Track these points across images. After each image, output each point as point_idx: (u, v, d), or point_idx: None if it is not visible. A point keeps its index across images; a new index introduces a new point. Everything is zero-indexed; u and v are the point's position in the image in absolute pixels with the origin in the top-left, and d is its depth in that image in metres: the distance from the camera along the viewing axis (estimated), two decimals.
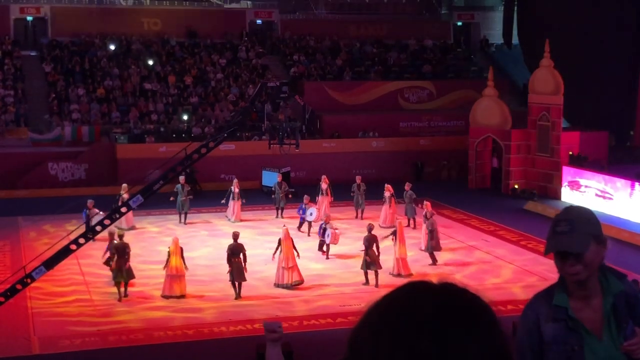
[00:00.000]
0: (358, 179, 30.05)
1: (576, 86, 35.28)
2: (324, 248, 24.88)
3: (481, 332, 1.87)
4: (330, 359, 2.12)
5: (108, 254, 21.72)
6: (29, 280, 19.31)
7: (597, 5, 36.88)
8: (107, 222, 21.12)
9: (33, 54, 42.15)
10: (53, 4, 43.46)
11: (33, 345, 18.27)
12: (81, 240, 20.19)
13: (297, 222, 27.67)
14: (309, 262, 24.05)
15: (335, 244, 24.77)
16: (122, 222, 25.72)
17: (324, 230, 24.83)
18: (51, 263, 19.56)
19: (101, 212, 25.26)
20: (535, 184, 34.48)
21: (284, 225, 23.09)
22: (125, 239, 22.30)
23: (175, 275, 21.08)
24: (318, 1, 50.07)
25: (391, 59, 45.84)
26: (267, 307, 20.57)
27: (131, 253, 21.67)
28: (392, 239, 23.10)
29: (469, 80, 44.08)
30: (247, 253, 21.62)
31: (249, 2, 48.89)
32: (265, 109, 26.00)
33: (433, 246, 24.23)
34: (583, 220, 3.61)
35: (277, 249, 22.12)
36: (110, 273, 21.66)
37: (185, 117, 39.02)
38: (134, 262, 22.50)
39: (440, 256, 24.81)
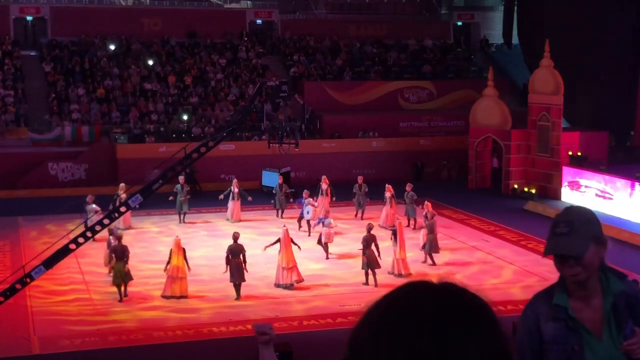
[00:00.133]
0: (360, 179, 30.05)
1: (576, 86, 35.29)
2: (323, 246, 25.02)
3: (481, 332, 1.87)
4: (330, 359, 2.12)
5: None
6: (28, 280, 19.32)
7: (597, 5, 36.86)
8: (106, 221, 21.12)
9: (33, 53, 42.15)
10: (53, 4, 43.46)
11: (33, 345, 18.28)
12: (80, 240, 20.20)
13: (297, 223, 27.64)
14: (309, 262, 24.07)
15: (329, 242, 24.81)
16: (120, 221, 25.73)
17: (323, 224, 25.00)
18: (50, 262, 19.56)
19: (98, 208, 25.42)
20: (535, 184, 34.48)
21: (284, 226, 23.10)
22: (125, 239, 22.30)
23: (176, 277, 21.08)
24: (318, 1, 50.08)
25: (391, 59, 45.85)
26: (266, 307, 20.58)
27: (131, 253, 21.66)
28: (392, 239, 23.14)
29: (469, 81, 44.09)
30: (247, 253, 21.61)
31: (249, 2, 48.90)
32: (264, 109, 25.99)
33: (431, 248, 24.22)
34: (583, 222, 3.60)
35: (273, 243, 22.20)
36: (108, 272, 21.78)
37: (185, 117, 39.03)
38: (133, 262, 22.53)
39: (441, 256, 24.82)
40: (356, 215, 29.74)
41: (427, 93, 43.56)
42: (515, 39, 45.87)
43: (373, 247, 22.31)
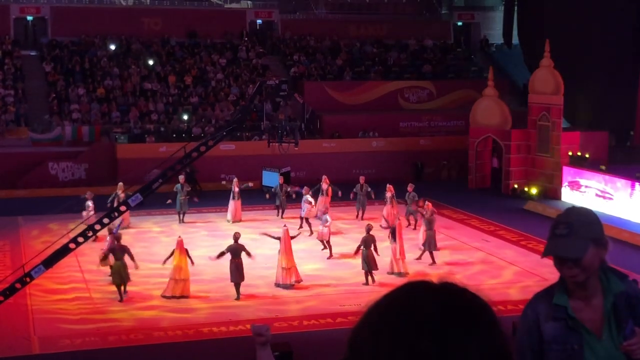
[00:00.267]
0: (362, 179, 29.99)
1: (576, 86, 35.29)
2: (325, 244, 25.05)
3: (481, 331, 1.87)
4: (330, 359, 2.12)
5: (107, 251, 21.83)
6: (28, 279, 19.32)
7: (597, 5, 36.88)
8: (106, 220, 21.12)
9: (33, 53, 42.16)
10: (53, 4, 43.47)
11: (33, 345, 18.28)
12: (80, 239, 20.20)
13: (297, 223, 27.63)
14: (309, 262, 24.09)
15: (324, 240, 24.92)
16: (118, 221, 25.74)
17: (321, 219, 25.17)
18: (50, 262, 19.56)
19: (92, 206, 25.58)
20: (535, 184, 34.47)
21: (284, 225, 23.10)
22: (125, 239, 22.31)
23: (179, 279, 21.07)
24: (318, 1, 50.08)
25: (391, 59, 45.85)
26: (266, 307, 20.58)
27: (131, 252, 21.67)
28: (389, 238, 23.17)
29: (469, 80, 44.09)
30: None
31: (249, 2, 48.91)
32: (264, 109, 25.99)
33: (430, 245, 24.27)
34: (582, 224, 3.60)
35: (272, 237, 22.33)
36: (107, 271, 21.80)
37: (185, 117, 39.03)
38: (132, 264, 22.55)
39: (441, 256, 24.84)
40: (357, 216, 29.67)
41: (427, 93, 43.56)
42: (515, 39, 45.90)
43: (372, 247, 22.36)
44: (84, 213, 26.21)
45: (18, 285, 19.24)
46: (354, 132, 39.42)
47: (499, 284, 22.20)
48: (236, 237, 21.49)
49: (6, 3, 42.88)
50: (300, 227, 27.17)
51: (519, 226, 28.92)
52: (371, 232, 22.63)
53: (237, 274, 21.08)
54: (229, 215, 29.26)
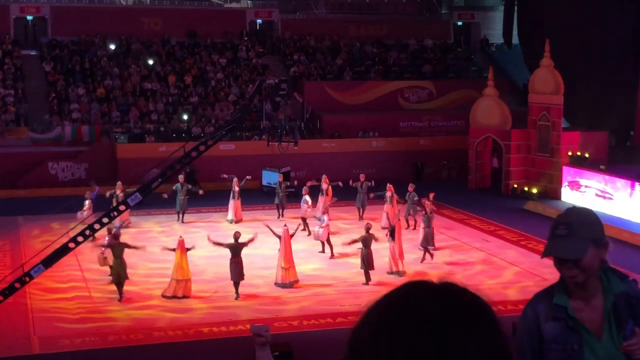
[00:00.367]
0: (362, 177, 29.96)
1: (576, 86, 35.28)
2: (325, 245, 25.05)
3: (481, 332, 1.87)
4: (330, 359, 2.12)
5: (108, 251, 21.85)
6: (27, 279, 19.33)
7: (597, 5, 36.86)
8: (105, 219, 21.13)
9: (33, 53, 42.16)
10: (53, 4, 43.47)
11: (33, 344, 18.28)
12: (80, 239, 20.20)
13: (297, 222, 27.63)
14: (309, 261, 24.11)
15: (321, 240, 24.94)
16: (116, 219, 25.70)
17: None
18: (50, 261, 19.57)
19: (87, 206, 25.61)
20: (535, 184, 34.47)
21: (285, 225, 23.11)
22: (125, 239, 22.31)
23: (181, 279, 21.09)
24: (318, 1, 50.08)
25: (391, 58, 45.85)
26: (266, 307, 20.58)
27: (131, 252, 21.67)
28: (387, 237, 23.19)
29: (469, 80, 44.09)
30: (248, 252, 21.73)
31: (249, 1, 48.92)
32: (264, 108, 26.01)
33: (427, 241, 24.30)
34: (582, 224, 3.59)
35: (273, 232, 22.37)
36: (107, 270, 21.83)
37: (185, 117, 39.03)
38: (133, 261, 22.56)
39: (442, 256, 24.85)
40: (360, 217, 29.50)
41: (427, 93, 43.55)
42: (515, 39, 45.87)
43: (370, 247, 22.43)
44: (79, 214, 26.15)
45: (17, 285, 19.25)
46: (354, 132, 39.41)
47: (498, 284, 22.17)
48: (236, 236, 21.51)
49: (6, 3, 42.88)
50: (303, 228, 27.15)
51: (519, 226, 28.92)
52: (370, 231, 22.65)
53: (236, 272, 21.10)
54: (230, 215, 29.23)
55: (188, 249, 21.37)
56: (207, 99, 40.59)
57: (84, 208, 26.72)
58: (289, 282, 22.01)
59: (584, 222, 3.61)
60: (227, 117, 36.76)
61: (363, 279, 22.28)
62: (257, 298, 21.28)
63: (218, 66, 42.95)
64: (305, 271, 23.07)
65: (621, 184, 30.76)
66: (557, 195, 33.44)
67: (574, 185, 33.04)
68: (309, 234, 26.88)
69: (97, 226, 20.98)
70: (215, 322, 19.54)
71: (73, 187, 33.52)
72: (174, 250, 21.25)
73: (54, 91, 39.21)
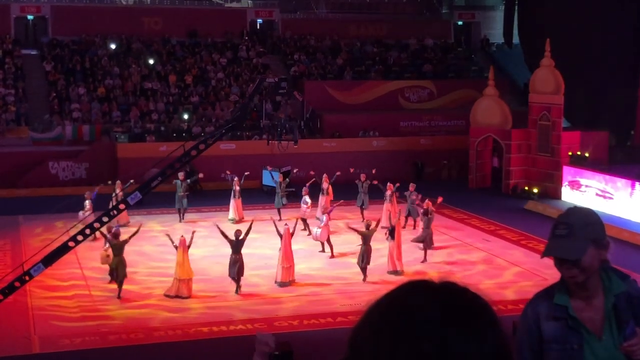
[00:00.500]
0: (362, 176, 29.92)
1: (577, 86, 35.27)
2: (324, 245, 25.06)
3: (481, 331, 1.87)
4: (331, 358, 2.12)
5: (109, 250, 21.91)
6: (27, 278, 19.33)
7: (597, 5, 36.85)
8: (105, 218, 21.13)
9: (34, 52, 42.15)
10: (54, 3, 43.47)
11: (33, 344, 18.28)
12: (79, 238, 20.20)
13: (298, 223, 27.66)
14: (309, 261, 24.11)
15: (320, 240, 24.95)
16: (115, 219, 25.73)
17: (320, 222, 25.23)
18: (49, 260, 19.57)
19: (89, 210, 25.60)
20: (535, 184, 34.48)
21: (286, 224, 23.12)
22: (124, 238, 22.31)
23: (183, 280, 21.12)
24: (319, 1, 50.07)
25: (392, 58, 45.84)
26: (266, 306, 20.58)
27: (131, 251, 21.70)
28: (387, 236, 23.20)
29: (470, 80, 44.08)
30: (248, 252, 21.80)
31: (249, 1, 48.94)
32: (264, 107, 26.00)
33: (426, 243, 24.29)
34: (582, 224, 3.59)
35: (276, 228, 22.50)
36: (107, 268, 21.87)
37: (185, 117, 39.03)
38: (134, 262, 22.58)
39: (442, 256, 24.84)
40: (362, 218, 29.43)
41: (428, 92, 43.54)
42: (515, 39, 45.85)
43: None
44: (80, 213, 26.17)
45: (17, 284, 19.25)
46: (354, 132, 39.41)
47: (495, 285, 22.08)
48: (237, 234, 21.57)
49: (7, 2, 42.88)
50: (304, 228, 27.15)
51: (519, 226, 28.91)
52: (371, 228, 22.72)
53: (236, 268, 21.18)
54: (231, 214, 29.19)
55: (190, 243, 21.36)
56: (208, 99, 40.59)
57: (86, 208, 26.72)
58: (288, 280, 22.07)
59: (584, 222, 3.61)
60: (228, 117, 36.75)
61: (363, 279, 22.32)
62: (256, 297, 21.27)
63: (218, 66, 42.95)
64: (305, 271, 23.08)
65: (621, 183, 30.76)
66: (557, 195, 33.43)
67: (575, 185, 33.04)
68: (309, 233, 26.88)
69: (97, 225, 20.99)
70: (216, 321, 19.52)
71: (73, 186, 33.53)
72: (176, 247, 21.24)
73: (54, 91, 39.21)
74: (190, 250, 21.51)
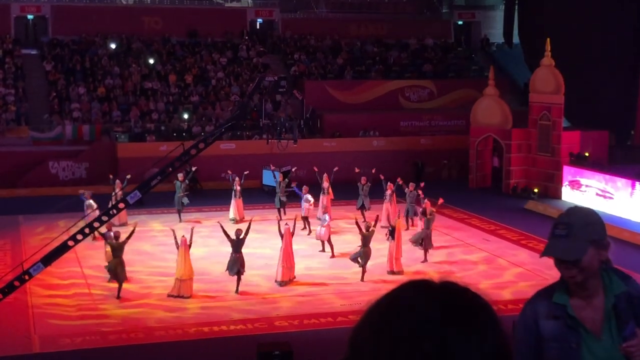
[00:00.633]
0: (363, 179, 29.85)
1: (577, 85, 35.26)
2: (325, 244, 25.06)
3: (482, 331, 1.87)
4: (331, 358, 2.12)
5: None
6: (26, 277, 19.33)
7: (597, 4, 36.85)
8: (105, 218, 21.13)
9: (34, 52, 42.15)
10: (54, 3, 43.46)
11: (33, 343, 18.28)
12: (79, 237, 20.21)
13: (299, 223, 27.62)
14: (309, 261, 24.12)
15: (323, 240, 24.92)
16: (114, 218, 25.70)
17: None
18: (49, 259, 19.58)
19: (95, 205, 25.52)
20: (535, 183, 34.49)
21: (286, 224, 23.14)
22: (124, 237, 22.32)
23: (185, 280, 21.13)
24: (319, 0, 50.06)
25: (392, 58, 45.84)
26: (266, 305, 20.59)
27: (132, 251, 21.71)
28: (387, 237, 23.21)
29: (470, 80, 44.07)
30: (249, 252, 21.83)
31: (249, 1, 48.92)
32: (263, 106, 25.95)
33: (425, 243, 24.29)
34: (582, 225, 3.58)
35: (279, 226, 22.62)
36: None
37: (186, 116, 39.04)
38: (133, 261, 22.58)
39: (442, 256, 24.84)
40: (364, 219, 29.42)
41: (428, 92, 43.54)
42: (516, 38, 45.84)
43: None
44: (90, 211, 26.05)
45: (17, 283, 19.25)
46: (354, 132, 39.42)
47: (494, 285, 22.07)
48: (237, 233, 21.61)
49: (7, 2, 42.87)
50: (304, 227, 27.14)
51: (520, 226, 28.92)
52: (371, 229, 22.74)
53: (236, 267, 21.20)
54: (232, 214, 29.18)
55: (190, 241, 21.36)
56: (208, 98, 40.60)
57: (94, 207, 26.64)
58: (288, 279, 22.12)
59: (584, 222, 3.60)
60: (228, 117, 36.75)
61: (365, 278, 22.34)
62: (256, 296, 21.28)
63: (219, 65, 42.95)
64: (306, 270, 23.09)
65: (622, 183, 30.76)
66: (557, 195, 33.44)
67: (575, 185, 33.04)
68: (310, 232, 26.91)
69: (96, 224, 20.99)
70: (212, 321, 19.53)
71: (73, 186, 33.53)
72: (177, 247, 21.24)
73: (54, 90, 39.21)
74: (190, 250, 21.52)
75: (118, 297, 20.95)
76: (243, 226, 23.27)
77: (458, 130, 39.65)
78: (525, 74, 41.05)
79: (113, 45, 42.70)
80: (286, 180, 30.58)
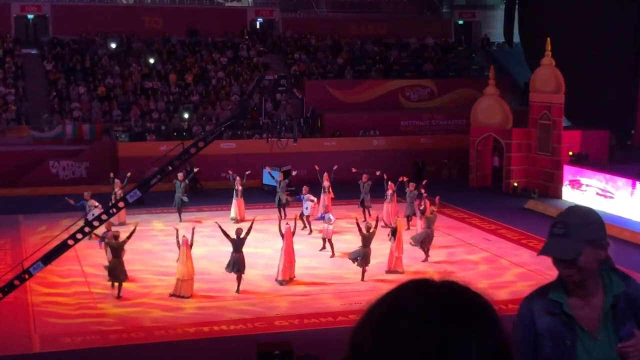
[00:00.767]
0: (364, 177, 29.88)
1: (577, 85, 35.24)
2: (326, 243, 25.06)
3: (482, 330, 1.87)
4: (331, 358, 2.11)
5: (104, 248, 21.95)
6: (26, 276, 19.34)
7: (598, 4, 36.83)
8: (104, 217, 21.12)
9: (34, 52, 42.15)
10: (54, 2, 43.46)
11: (34, 343, 18.29)
12: (79, 236, 20.21)
13: (300, 221, 27.63)
14: (309, 260, 24.11)
15: (328, 238, 24.88)
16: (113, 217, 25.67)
17: (324, 220, 25.16)
18: (49, 258, 19.58)
19: (98, 204, 25.48)
20: (536, 183, 34.48)
21: (287, 223, 23.15)
22: (124, 237, 22.32)
23: (186, 280, 21.14)
24: (319, 0, 50.05)
25: (392, 57, 45.83)
26: (266, 305, 20.58)
27: (132, 250, 21.71)
28: (389, 237, 23.22)
29: (470, 79, 44.06)
30: (249, 251, 21.83)
31: (250, 0, 48.92)
32: (263, 105, 25.96)
33: (426, 242, 24.30)
34: (580, 224, 3.57)
35: (279, 226, 22.67)
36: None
37: (186, 116, 39.04)
38: (133, 261, 22.58)
39: (441, 256, 24.84)
40: (365, 218, 29.39)
41: (428, 92, 43.53)
42: (516, 38, 45.82)
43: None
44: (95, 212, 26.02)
45: (17, 282, 19.25)
46: (354, 131, 39.41)
47: (493, 285, 22.04)
48: (238, 232, 21.62)
49: (7, 1, 42.87)
50: (304, 227, 27.11)
51: (520, 225, 28.91)
52: (372, 230, 22.73)
53: (236, 266, 21.22)
54: (233, 213, 29.17)
55: (192, 241, 21.36)
56: (208, 98, 40.59)
57: (97, 205, 26.62)
58: (288, 278, 22.13)
59: (583, 221, 3.59)
60: (228, 116, 36.75)
61: (365, 277, 22.35)
62: (256, 296, 21.27)
63: (219, 65, 42.95)
64: (307, 270, 23.09)
65: (622, 182, 30.76)
66: (557, 194, 33.42)
67: (575, 184, 33.03)
68: (310, 232, 26.91)
69: (96, 223, 20.98)
70: (216, 320, 19.53)
71: (74, 185, 33.54)
72: (179, 247, 21.24)
73: (54, 90, 39.21)
74: (193, 250, 21.53)
75: (118, 296, 20.96)
76: (243, 226, 23.28)
77: (458, 130, 39.64)
78: (526, 74, 41.03)
79: (113, 45, 42.70)
80: (286, 180, 30.56)
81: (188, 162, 28.23)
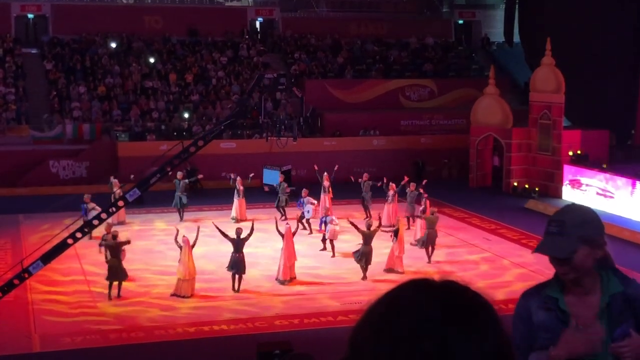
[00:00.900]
0: (365, 176, 29.87)
1: (577, 85, 35.24)
2: (327, 244, 25.02)
3: (482, 330, 1.87)
4: (331, 358, 2.11)
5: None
6: (26, 275, 19.34)
7: (598, 4, 36.82)
8: (104, 216, 21.11)
9: (34, 51, 42.14)
10: (54, 2, 43.45)
11: (34, 342, 18.28)
12: (78, 235, 20.21)
13: (299, 223, 27.61)
14: (310, 259, 24.11)
15: (334, 239, 24.86)
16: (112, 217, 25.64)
17: (325, 223, 25.03)
18: (48, 257, 19.58)
19: (97, 207, 25.41)
20: (536, 183, 34.48)
21: (287, 223, 23.14)
22: (126, 236, 22.32)
23: (187, 280, 21.14)
24: None
25: (392, 57, 45.82)
26: (266, 304, 20.58)
27: (132, 250, 21.70)
28: (391, 237, 23.22)
29: (470, 79, 44.07)
30: (250, 251, 21.81)
31: (250, 0, 48.92)
32: (262, 105, 25.93)
33: (429, 243, 24.27)
34: (575, 223, 3.58)
35: (277, 228, 22.63)
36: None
37: (186, 115, 39.04)
38: (134, 260, 22.57)
39: (442, 256, 24.82)
40: (366, 217, 29.36)
41: (428, 91, 43.53)
42: (516, 37, 45.81)
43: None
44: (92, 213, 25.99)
45: (16, 282, 19.25)
46: (354, 131, 39.41)
47: (491, 285, 22.04)
48: (238, 232, 21.64)
49: (7, 1, 42.86)
50: (304, 228, 27.08)
51: (520, 225, 28.90)
52: (372, 229, 22.74)
53: (237, 266, 21.21)
54: (233, 213, 29.17)
55: (195, 241, 21.35)
56: (208, 97, 40.59)
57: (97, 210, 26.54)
58: (289, 278, 22.13)
59: (579, 220, 3.60)
60: (228, 115, 36.76)
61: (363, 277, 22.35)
62: (259, 295, 21.28)
63: (219, 64, 42.94)
64: (307, 269, 23.08)
65: (622, 182, 30.76)
66: (558, 194, 33.42)
67: (575, 184, 33.03)
68: (310, 232, 26.90)
69: (95, 222, 20.98)
70: (217, 320, 19.54)
71: (74, 185, 33.54)
72: (180, 247, 21.23)
73: (54, 89, 39.20)
74: (193, 250, 21.53)
75: (118, 295, 20.96)
76: (243, 225, 23.27)
77: (458, 130, 39.64)
78: (526, 73, 41.03)
79: (113, 44, 42.70)
80: (285, 184, 30.55)
81: (189, 163, 28.26)
